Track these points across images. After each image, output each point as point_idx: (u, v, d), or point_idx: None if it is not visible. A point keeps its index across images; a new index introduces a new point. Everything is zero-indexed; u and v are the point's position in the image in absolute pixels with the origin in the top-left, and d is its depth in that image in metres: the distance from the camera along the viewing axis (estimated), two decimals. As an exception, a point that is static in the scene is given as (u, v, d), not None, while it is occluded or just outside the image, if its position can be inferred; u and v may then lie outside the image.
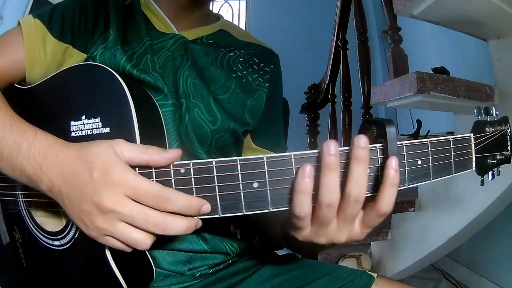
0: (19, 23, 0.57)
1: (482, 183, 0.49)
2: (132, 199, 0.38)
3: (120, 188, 0.38)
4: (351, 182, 0.36)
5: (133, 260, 0.47)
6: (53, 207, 0.50)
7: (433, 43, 2.30)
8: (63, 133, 0.45)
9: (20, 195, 0.54)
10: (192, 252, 0.61)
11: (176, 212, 0.38)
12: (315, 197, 0.37)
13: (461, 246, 1.44)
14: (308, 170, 0.35)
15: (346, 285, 0.59)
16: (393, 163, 0.36)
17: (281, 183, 0.38)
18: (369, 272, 0.61)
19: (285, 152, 0.76)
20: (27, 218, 0.54)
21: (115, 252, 0.43)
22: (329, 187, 0.35)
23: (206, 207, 0.39)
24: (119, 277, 0.44)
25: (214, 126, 0.60)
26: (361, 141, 0.35)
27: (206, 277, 0.63)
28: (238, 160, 0.38)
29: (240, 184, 0.39)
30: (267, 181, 0.38)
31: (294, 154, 0.38)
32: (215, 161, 0.39)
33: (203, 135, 0.60)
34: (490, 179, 0.49)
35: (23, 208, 0.54)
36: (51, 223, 0.51)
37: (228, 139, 0.63)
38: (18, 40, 0.55)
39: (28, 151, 0.42)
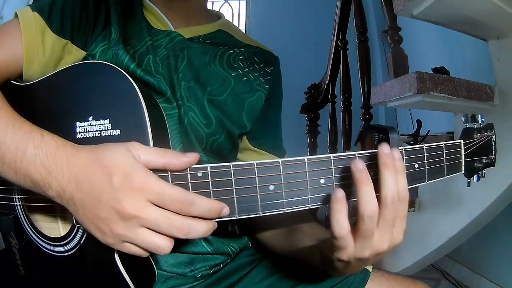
0: (16, 15, 0.54)
1: (469, 184, 0.54)
2: (155, 204, 0.37)
3: (143, 193, 0.37)
4: (385, 187, 0.38)
5: (138, 263, 0.46)
6: (55, 212, 0.49)
7: (433, 43, 2.30)
8: (67, 135, 0.43)
9: (17, 199, 0.52)
10: (195, 254, 0.61)
11: (198, 216, 0.38)
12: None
13: (461, 246, 1.44)
14: (340, 191, 0.37)
15: (342, 281, 0.59)
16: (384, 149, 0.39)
17: (295, 185, 0.40)
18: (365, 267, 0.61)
19: (283, 155, 0.76)
20: (25, 223, 0.52)
21: (122, 257, 0.43)
22: (368, 199, 0.37)
23: (226, 210, 0.39)
24: (128, 282, 0.43)
25: (208, 129, 0.60)
26: (385, 148, 0.38)
27: (207, 277, 0.63)
28: (255, 164, 0.40)
29: (257, 187, 0.40)
30: (282, 184, 0.40)
31: (307, 158, 0.41)
32: (233, 165, 0.39)
33: (200, 138, 0.59)
34: (475, 181, 0.54)
35: (20, 213, 0.52)
36: (52, 229, 0.49)
37: (223, 142, 0.62)
38: (15, 34, 0.52)
39: (35, 154, 0.40)
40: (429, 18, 1.15)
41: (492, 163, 0.54)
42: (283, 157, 0.60)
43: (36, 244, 0.51)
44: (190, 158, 0.39)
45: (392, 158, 0.38)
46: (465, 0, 1.01)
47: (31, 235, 0.51)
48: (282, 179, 0.40)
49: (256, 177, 0.39)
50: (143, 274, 0.48)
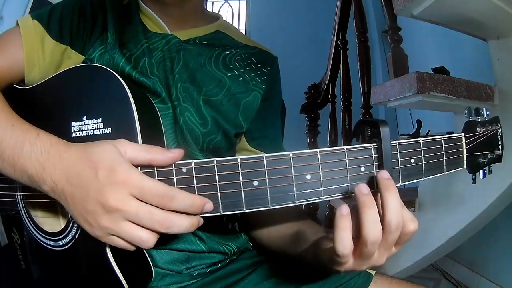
0: (17, 24, 0.57)
1: (474, 181, 0.51)
2: (137, 198, 0.38)
3: (125, 187, 0.38)
4: (390, 213, 0.37)
5: (132, 259, 0.47)
6: (53, 207, 0.50)
7: (433, 43, 2.30)
8: (64, 134, 0.45)
9: (19, 196, 0.54)
10: (189, 252, 0.61)
11: (179, 211, 0.39)
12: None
13: (461, 246, 1.44)
14: (345, 208, 0.37)
15: (344, 283, 0.58)
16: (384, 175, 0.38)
17: (280, 181, 0.40)
18: (368, 270, 0.61)
19: None
20: (26, 219, 0.54)
21: (115, 252, 0.43)
22: (372, 223, 0.37)
23: (209, 205, 0.39)
24: (120, 277, 0.44)
25: (204, 129, 0.60)
26: (384, 174, 0.38)
27: (203, 276, 0.63)
28: (239, 159, 0.39)
29: (241, 183, 0.39)
30: (267, 180, 0.40)
31: (292, 153, 0.40)
32: (216, 160, 0.40)
33: (196, 138, 0.60)
34: (481, 177, 0.51)
35: (22, 209, 0.54)
36: (51, 224, 0.51)
37: (219, 142, 0.62)
38: (17, 41, 0.55)
39: (31, 151, 0.42)
40: (429, 18, 1.15)
41: (498, 159, 0.51)
42: None
43: (36, 239, 0.52)
44: (174, 154, 0.40)
45: (392, 182, 0.38)
46: (465, 0, 1.01)
47: (31, 231, 0.53)
48: (266, 174, 0.39)
49: (240, 173, 0.39)
50: (138, 270, 0.48)
